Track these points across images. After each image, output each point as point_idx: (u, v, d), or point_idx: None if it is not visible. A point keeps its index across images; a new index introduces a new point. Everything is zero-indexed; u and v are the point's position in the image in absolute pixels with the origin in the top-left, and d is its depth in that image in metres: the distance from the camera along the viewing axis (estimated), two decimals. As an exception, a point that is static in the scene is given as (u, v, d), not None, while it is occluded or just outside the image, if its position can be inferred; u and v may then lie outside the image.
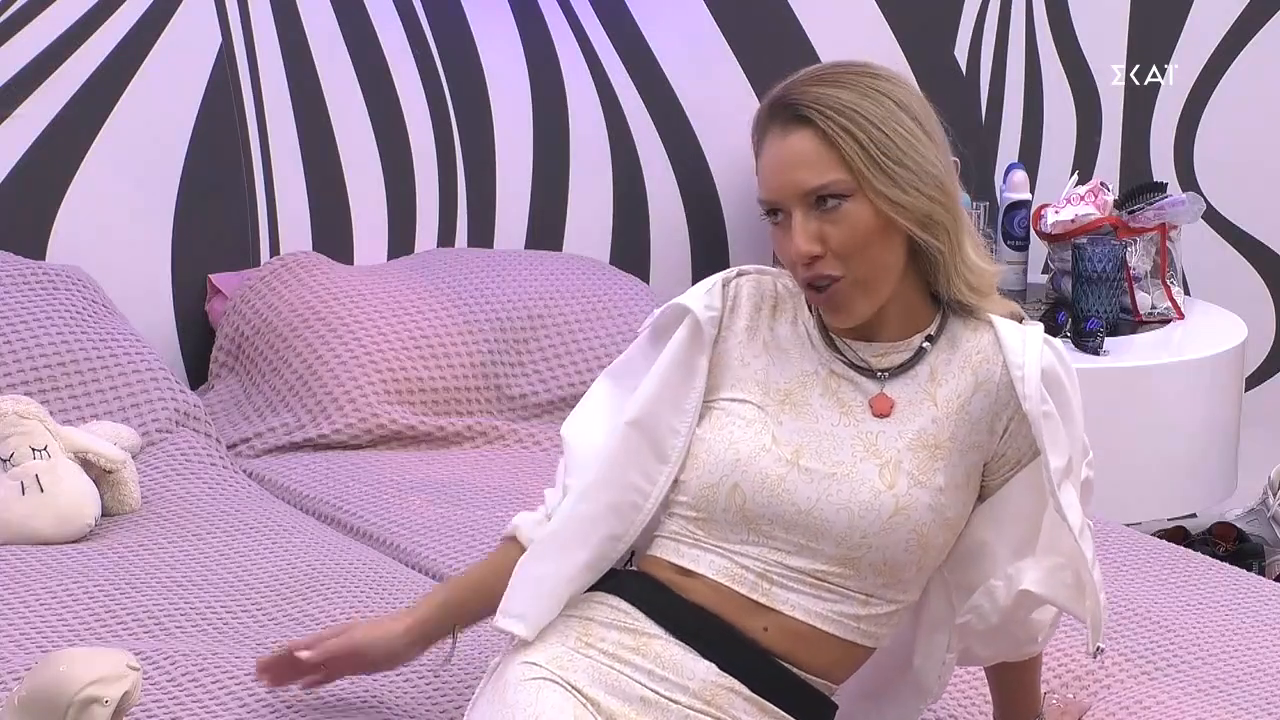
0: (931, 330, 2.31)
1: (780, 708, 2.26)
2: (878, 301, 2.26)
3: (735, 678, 2.24)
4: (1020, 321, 2.32)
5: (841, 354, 2.31)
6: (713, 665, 2.24)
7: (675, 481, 2.30)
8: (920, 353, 2.30)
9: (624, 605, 2.27)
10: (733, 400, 2.31)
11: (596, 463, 2.32)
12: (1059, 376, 2.27)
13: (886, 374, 2.30)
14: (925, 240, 2.24)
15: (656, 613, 2.26)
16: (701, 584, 2.27)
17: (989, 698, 2.52)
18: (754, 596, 2.26)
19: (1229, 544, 4.16)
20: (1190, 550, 3.31)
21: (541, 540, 2.30)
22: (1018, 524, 2.31)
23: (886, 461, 2.26)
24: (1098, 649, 2.31)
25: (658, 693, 2.22)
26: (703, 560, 2.28)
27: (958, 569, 2.34)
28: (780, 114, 2.25)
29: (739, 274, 2.37)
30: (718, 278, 2.37)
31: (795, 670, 2.26)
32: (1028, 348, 2.27)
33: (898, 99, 2.27)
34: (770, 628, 2.25)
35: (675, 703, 2.22)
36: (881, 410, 2.29)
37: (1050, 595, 2.30)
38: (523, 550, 2.33)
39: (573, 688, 2.21)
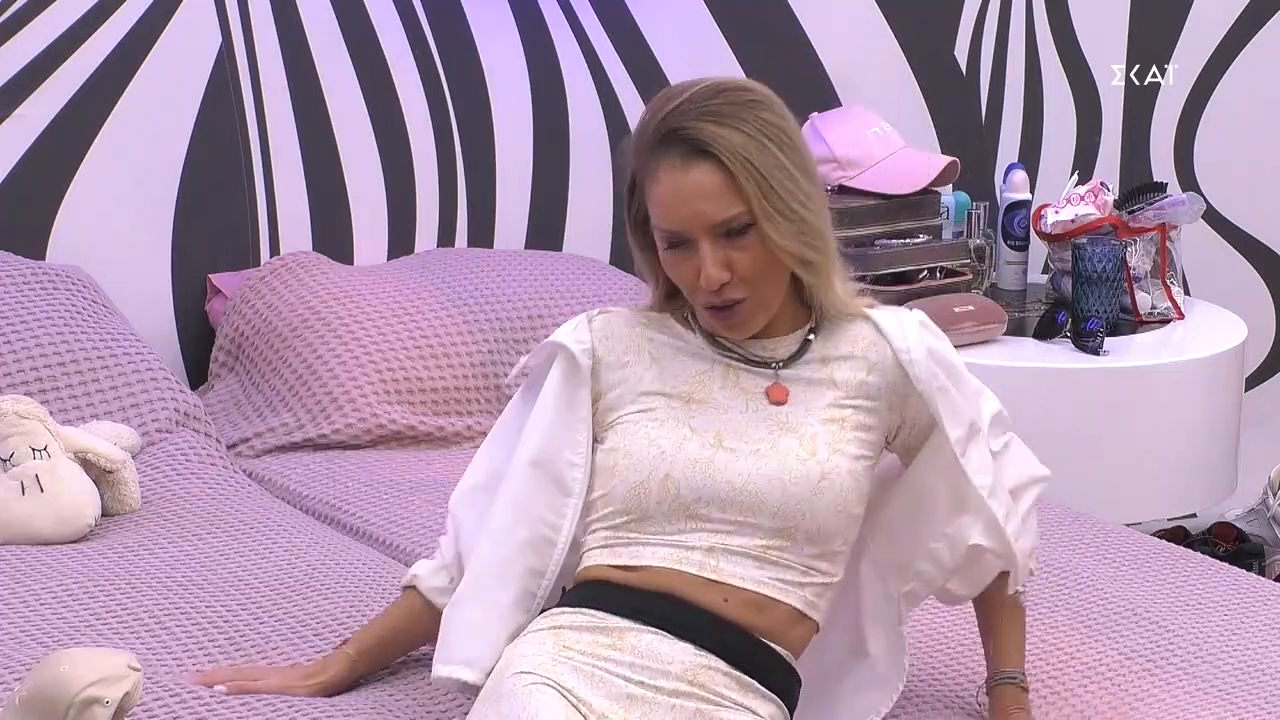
0: (812, 325, 2.43)
1: (755, 679, 2.30)
2: (770, 315, 2.39)
3: (712, 654, 2.28)
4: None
5: (733, 352, 2.41)
6: (689, 645, 2.28)
7: (594, 501, 2.38)
8: (807, 344, 2.42)
9: (585, 610, 2.31)
10: (638, 411, 2.39)
11: (502, 505, 2.40)
12: (943, 353, 2.43)
13: (780, 364, 2.40)
14: (801, 274, 2.37)
15: (619, 608, 2.31)
16: (650, 574, 2.33)
17: (982, 702, 2.53)
18: (703, 574, 2.32)
19: (1229, 544, 4.16)
20: (1190, 550, 3.31)
21: (464, 587, 2.40)
22: (948, 481, 2.42)
23: (803, 435, 2.36)
24: (1016, 591, 2.47)
25: (643, 683, 2.25)
26: (645, 553, 2.34)
27: (890, 546, 2.44)
28: (676, 145, 2.32)
29: (601, 312, 2.48)
30: (582, 316, 2.47)
31: (763, 639, 2.32)
32: (907, 333, 2.42)
33: (780, 140, 2.34)
34: (729, 598, 2.31)
35: (659, 690, 2.25)
36: (777, 398, 2.39)
37: (997, 546, 2.43)
38: (423, 599, 2.50)
39: (563, 689, 2.22)
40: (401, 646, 2.56)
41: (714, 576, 2.32)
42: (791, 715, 2.36)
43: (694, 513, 2.33)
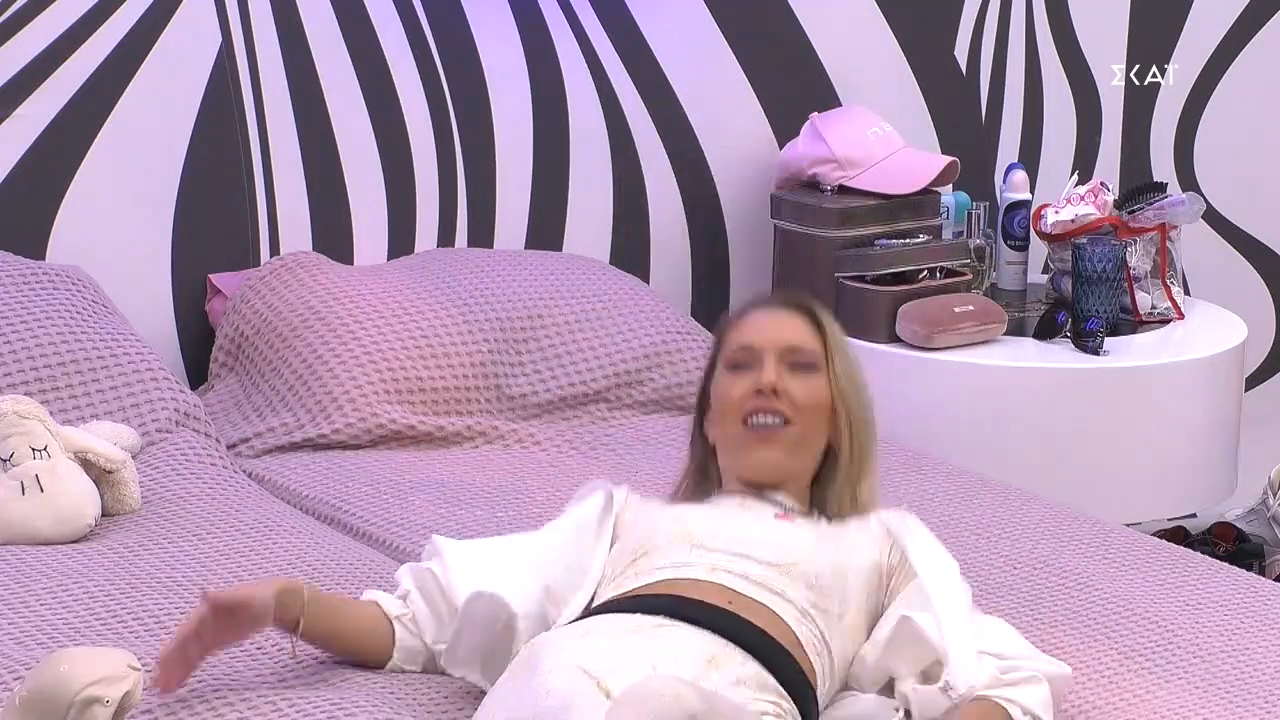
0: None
1: (770, 672, 2.34)
2: (795, 470, 2.58)
3: (728, 641, 2.33)
4: None
5: (749, 492, 2.60)
6: (708, 633, 2.34)
7: (606, 568, 2.54)
8: (812, 509, 2.61)
9: (608, 617, 2.38)
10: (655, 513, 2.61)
11: (540, 538, 2.61)
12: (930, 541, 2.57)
13: (785, 508, 2.58)
14: (837, 447, 2.59)
15: (639, 611, 2.37)
16: (658, 586, 2.43)
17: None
18: (709, 578, 2.42)
19: (1229, 544, 4.16)
20: (1190, 550, 3.31)
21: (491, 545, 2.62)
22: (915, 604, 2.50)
23: (804, 528, 2.55)
24: (945, 684, 2.40)
25: (664, 660, 2.28)
26: (651, 575, 2.45)
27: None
28: (772, 301, 2.66)
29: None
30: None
31: (776, 639, 2.37)
32: (904, 515, 2.60)
33: (850, 350, 2.66)
34: (733, 601, 2.39)
35: (677, 660, 2.28)
36: (783, 519, 2.57)
37: (925, 628, 2.41)
38: (383, 614, 2.57)
39: (585, 668, 2.25)
40: (351, 627, 2.55)
41: (717, 580, 2.41)
42: None
43: (698, 542, 2.48)
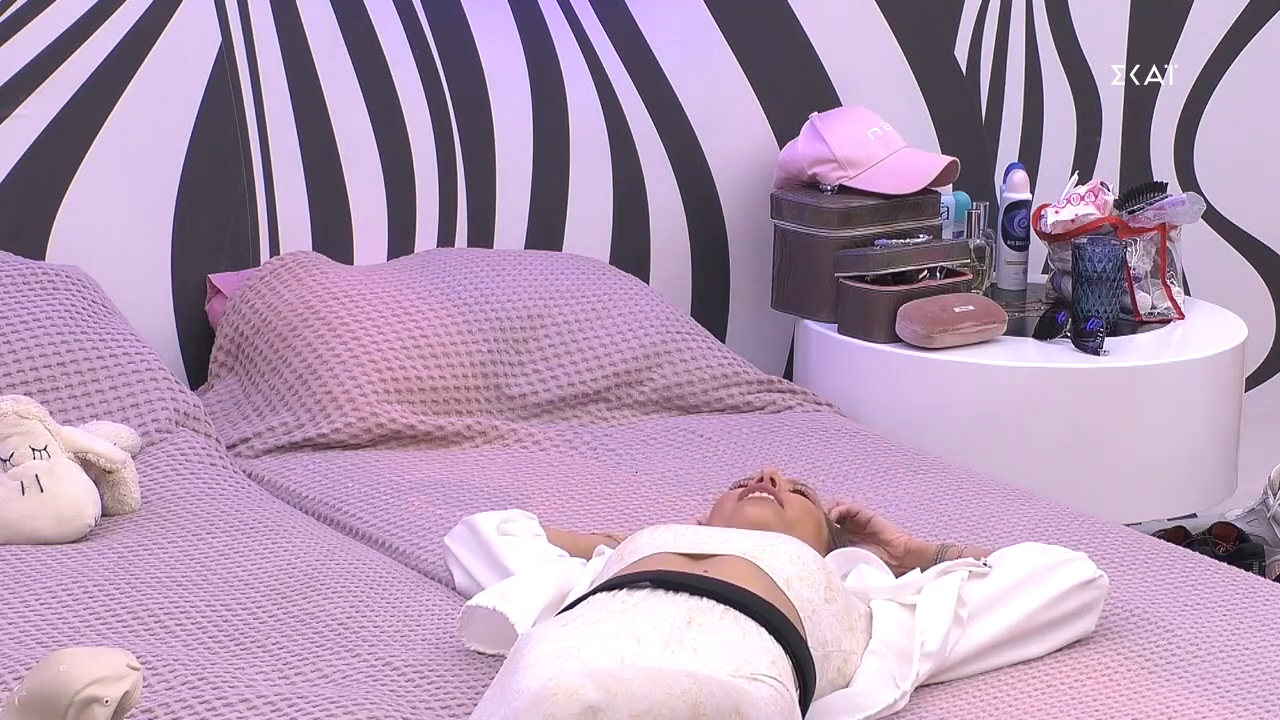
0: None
1: (752, 618, 2.39)
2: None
3: (706, 598, 2.39)
4: None
5: None
6: (683, 594, 2.40)
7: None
8: None
9: (588, 602, 2.45)
10: None
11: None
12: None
13: None
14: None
15: (617, 588, 2.44)
16: (637, 565, 2.50)
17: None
18: (688, 551, 2.51)
19: (1229, 544, 4.16)
20: (1190, 550, 3.31)
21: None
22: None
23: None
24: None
25: (639, 627, 2.34)
26: (635, 557, 2.54)
27: None
28: None
29: None
30: None
31: (756, 593, 2.43)
32: None
33: None
34: (709, 569, 2.46)
35: (657, 629, 2.32)
36: None
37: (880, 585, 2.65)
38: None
39: (568, 645, 2.30)
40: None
41: (697, 552, 2.50)
42: (804, 685, 2.41)
43: (678, 532, 2.59)
